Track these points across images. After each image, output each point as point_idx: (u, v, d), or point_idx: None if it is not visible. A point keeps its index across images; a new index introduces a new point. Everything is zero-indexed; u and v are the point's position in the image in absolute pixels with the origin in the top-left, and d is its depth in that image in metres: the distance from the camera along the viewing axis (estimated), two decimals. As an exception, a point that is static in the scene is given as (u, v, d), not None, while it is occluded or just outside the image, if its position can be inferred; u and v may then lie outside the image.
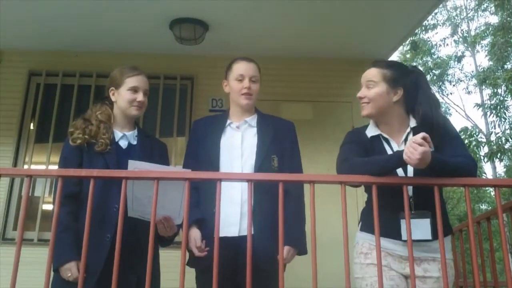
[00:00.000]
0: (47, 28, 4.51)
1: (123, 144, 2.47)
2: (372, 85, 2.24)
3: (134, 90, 2.46)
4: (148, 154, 2.39)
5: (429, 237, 2.05)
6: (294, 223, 2.41)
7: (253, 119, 2.66)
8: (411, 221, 1.96)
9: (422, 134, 1.92)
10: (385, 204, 1.99)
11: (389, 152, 2.21)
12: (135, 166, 2.04)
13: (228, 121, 2.65)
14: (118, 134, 2.48)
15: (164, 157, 2.58)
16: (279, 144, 2.59)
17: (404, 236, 2.05)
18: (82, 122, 2.44)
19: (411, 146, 1.89)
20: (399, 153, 1.96)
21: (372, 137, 2.29)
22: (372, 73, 2.28)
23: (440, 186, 2.03)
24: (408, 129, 2.24)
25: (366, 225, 2.21)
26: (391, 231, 2.09)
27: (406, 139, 2.22)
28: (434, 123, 2.16)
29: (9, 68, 4.94)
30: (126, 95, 2.46)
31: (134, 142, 2.50)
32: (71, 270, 2.17)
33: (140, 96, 2.46)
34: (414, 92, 2.25)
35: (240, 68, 2.62)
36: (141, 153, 2.40)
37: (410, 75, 2.28)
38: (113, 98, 2.51)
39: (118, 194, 2.21)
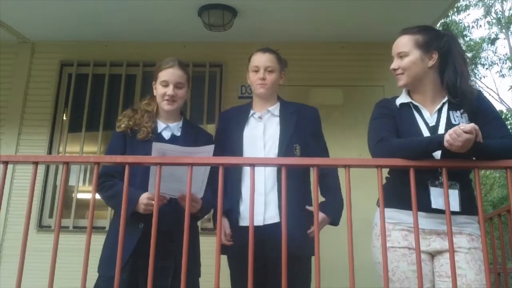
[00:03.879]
0: (77, 19, 4.55)
1: (166, 135, 2.50)
2: (405, 55, 2.17)
3: (165, 84, 2.47)
4: (191, 144, 2.36)
5: (457, 208, 1.97)
6: (329, 193, 2.55)
7: (275, 108, 2.67)
8: (438, 190, 1.98)
9: (472, 124, 1.84)
10: (407, 175, 1.92)
11: (419, 120, 2.15)
12: (159, 147, 2.08)
13: (252, 112, 2.68)
14: (161, 125, 2.51)
15: None
16: (302, 132, 2.59)
17: (434, 203, 1.98)
18: (130, 111, 2.52)
19: (455, 133, 1.82)
20: (440, 138, 1.89)
21: (402, 104, 2.22)
22: (403, 42, 2.20)
23: (481, 169, 1.97)
24: (444, 100, 2.16)
25: (386, 200, 1.98)
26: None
27: (440, 110, 2.16)
28: (460, 95, 2.10)
29: (41, 59, 5.03)
30: (158, 90, 2.49)
31: (178, 134, 2.52)
32: (143, 201, 2.19)
33: (169, 90, 2.45)
34: (447, 57, 2.17)
35: (255, 59, 2.67)
36: (184, 143, 2.37)
37: (443, 38, 2.19)
38: (154, 92, 2.55)
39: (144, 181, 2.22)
